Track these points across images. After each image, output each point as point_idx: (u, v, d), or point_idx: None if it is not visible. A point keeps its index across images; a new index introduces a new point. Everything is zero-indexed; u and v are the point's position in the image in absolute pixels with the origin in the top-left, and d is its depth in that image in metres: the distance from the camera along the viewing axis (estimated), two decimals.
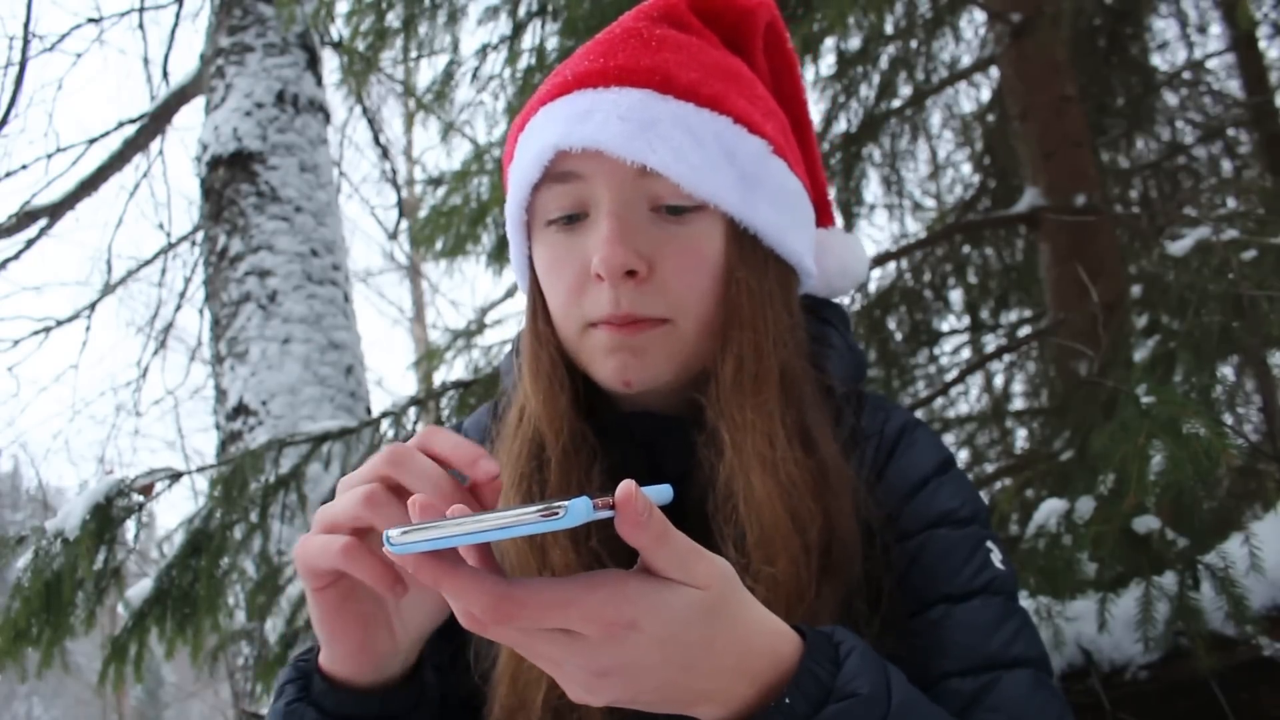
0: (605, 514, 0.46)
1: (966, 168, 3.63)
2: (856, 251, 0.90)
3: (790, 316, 0.78)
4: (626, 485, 0.47)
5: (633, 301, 0.72)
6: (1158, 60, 3.33)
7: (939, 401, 2.93)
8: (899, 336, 2.91)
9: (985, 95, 3.40)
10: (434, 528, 0.46)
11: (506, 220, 0.82)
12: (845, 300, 2.88)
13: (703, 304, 0.74)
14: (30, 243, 6.02)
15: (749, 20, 0.83)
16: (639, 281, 0.72)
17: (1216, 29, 3.32)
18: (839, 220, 1.02)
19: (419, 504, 0.50)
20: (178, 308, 6.63)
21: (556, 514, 0.43)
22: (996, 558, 0.74)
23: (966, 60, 3.24)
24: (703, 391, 0.75)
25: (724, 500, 0.71)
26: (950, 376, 3.06)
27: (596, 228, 0.72)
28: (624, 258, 0.70)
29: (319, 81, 4.03)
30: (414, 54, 2.51)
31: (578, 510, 0.43)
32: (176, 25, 5.70)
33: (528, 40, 2.39)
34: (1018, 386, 3.33)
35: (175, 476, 1.80)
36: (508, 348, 0.90)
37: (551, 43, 2.29)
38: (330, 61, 4.48)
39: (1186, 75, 3.32)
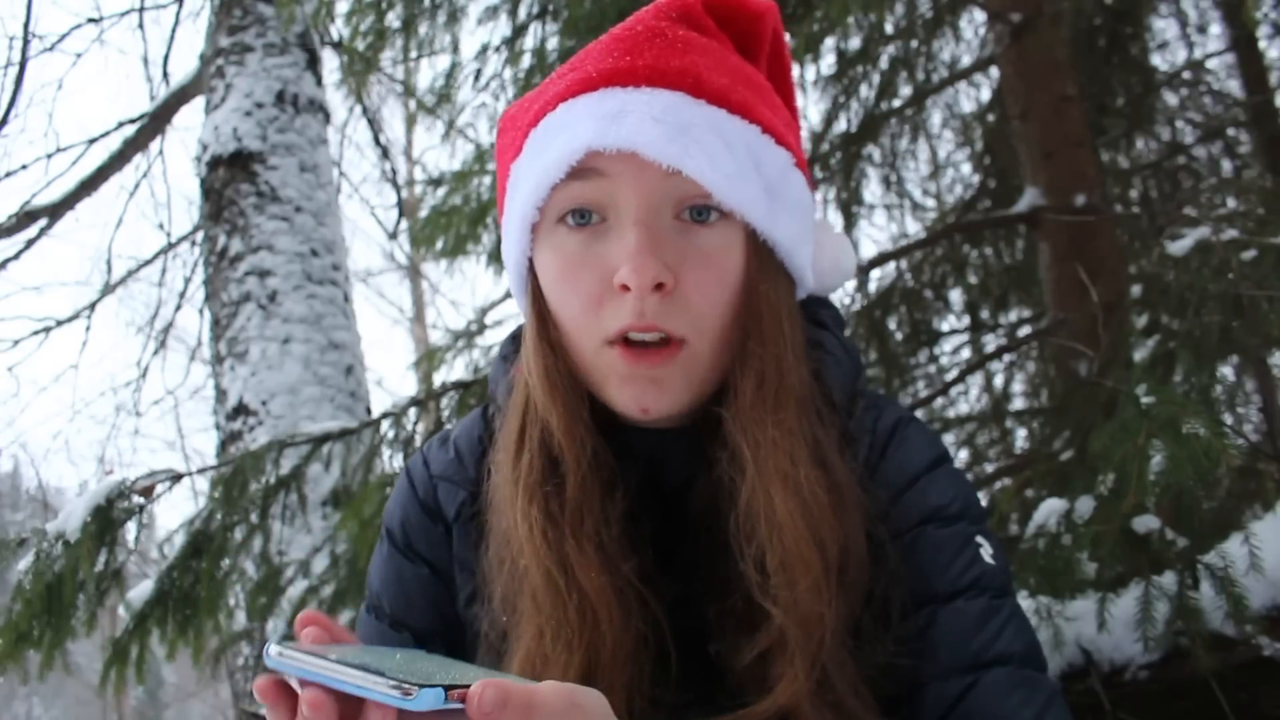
0: (455, 705, 0.46)
1: (966, 168, 3.64)
2: (845, 247, 0.90)
3: (800, 330, 0.77)
4: (478, 685, 0.46)
5: (657, 313, 0.70)
6: (1158, 60, 3.33)
7: (939, 401, 2.94)
8: (899, 336, 2.91)
9: (985, 95, 3.40)
10: (309, 659, 0.48)
11: (509, 218, 0.78)
12: (845, 300, 2.90)
13: (722, 319, 0.73)
14: (30, 243, 6.00)
15: (759, 25, 0.82)
16: (665, 294, 0.70)
17: (1216, 29, 3.32)
18: (830, 218, 1.02)
19: (311, 636, 0.53)
20: (178, 308, 6.62)
21: (409, 694, 0.45)
22: (987, 552, 0.74)
23: (966, 60, 3.24)
24: (720, 404, 0.74)
25: (745, 520, 0.70)
26: (950, 376, 3.06)
27: (620, 236, 0.71)
28: (655, 271, 0.69)
29: (319, 81, 4.03)
30: (414, 54, 2.51)
31: (426, 698, 0.45)
32: (176, 25, 5.69)
33: (529, 41, 2.39)
34: (1018, 386, 3.33)
35: (176, 478, 1.80)
36: (494, 352, 0.87)
37: (552, 43, 2.29)
38: (330, 61, 4.48)
39: (1186, 75, 3.32)
